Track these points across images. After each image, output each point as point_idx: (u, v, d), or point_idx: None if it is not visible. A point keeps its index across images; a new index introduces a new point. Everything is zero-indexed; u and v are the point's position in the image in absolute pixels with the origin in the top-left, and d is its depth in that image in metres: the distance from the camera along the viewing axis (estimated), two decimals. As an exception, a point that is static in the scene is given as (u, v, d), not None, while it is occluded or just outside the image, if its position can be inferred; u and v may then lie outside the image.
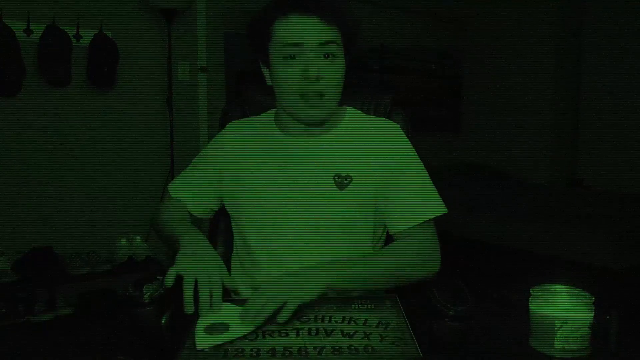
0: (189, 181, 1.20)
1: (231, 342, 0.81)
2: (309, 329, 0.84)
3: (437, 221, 1.10)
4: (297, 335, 0.83)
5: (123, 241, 2.67)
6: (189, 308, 0.87)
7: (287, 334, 0.83)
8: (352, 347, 0.78)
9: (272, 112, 1.20)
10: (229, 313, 0.88)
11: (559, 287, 0.86)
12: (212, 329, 0.83)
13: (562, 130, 4.50)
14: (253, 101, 1.32)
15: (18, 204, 2.59)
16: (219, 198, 1.18)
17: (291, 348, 0.78)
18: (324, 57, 1.01)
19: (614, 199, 3.50)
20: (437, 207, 1.09)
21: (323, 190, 1.07)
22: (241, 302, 0.92)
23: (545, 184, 4.36)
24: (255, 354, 0.77)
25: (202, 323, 0.85)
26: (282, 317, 0.85)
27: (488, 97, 4.81)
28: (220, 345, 0.80)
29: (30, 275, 2.40)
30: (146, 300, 0.89)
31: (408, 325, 0.85)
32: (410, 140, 1.14)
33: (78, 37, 2.69)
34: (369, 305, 0.93)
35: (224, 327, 0.83)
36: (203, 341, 0.80)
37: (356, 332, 0.83)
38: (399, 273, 1.03)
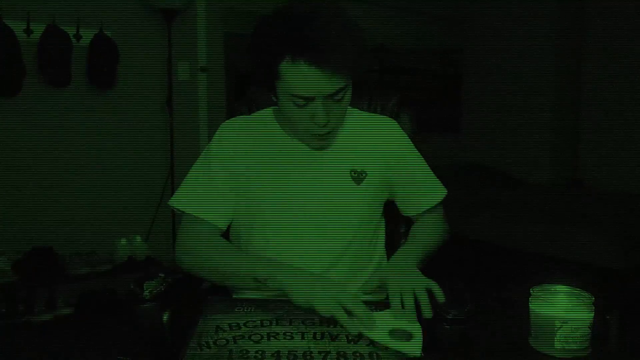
0: (205, 194, 1.09)
1: (236, 343, 0.81)
2: (314, 333, 0.84)
3: None
4: (302, 338, 0.82)
5: (123, 241, 2.67)
6: (356, 330, 0.83)
7: (292, 337, 0.82)
8: (357, 353, 0.78)
9: (267, 111, 1.19)
10: (383, 320, 0.86)
11: (559, 287, 0.86)
12: (398, 336, 0.82)
13: (562, 130, 4.50)
14: (259, 99, 1.31)
15: (18, 204, 2.59)
16: (235, 203, 1.11)
17: (296, 351, 0.78)
18: (333, 100, 0.99)
19: (614, 199, 3.50)
20: (442, 190, 1.21)
21: (342, 185, 1.09)
22: (247, 304, 0.92)
23: (546, 184, 4.36)
24: (260, 356, 0.77)
25: (379, 335, 0.82)
26: (424, 296, 0.87)
27: (488, 97, 4.81)
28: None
29: (30, 275, 2.40)
30: (147, 297, 0.89)
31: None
32: (416, 139, 1.22)
33: (78, 37, 2.69)
34: (375, 310, 0.92)
35: (404, 332, 0.83)
36: (412, 348, 0.79)
37: (361, 337, 0.82)
38: (438, 242, 1.17)
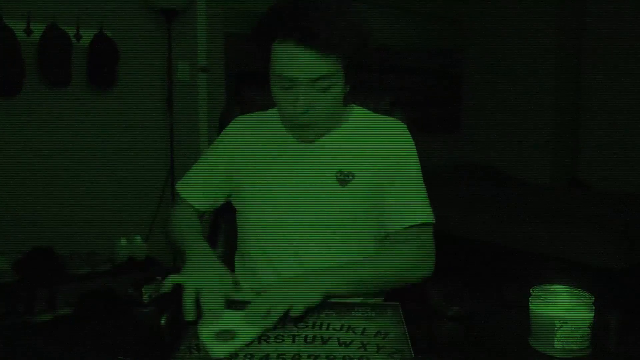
0: (196, 178, 1.21)
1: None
2: (305, 336, 0.83)
3: (436, 222, 1.11)
4: (293, 342, 0.82)
5: (123, 241, 2.67)
6: (190, 316, 0.87)
7: (282, 340, 0.82)
8: (347, 357, 0.77)
9: (274, 111, 1.19)
10: (230, 319, 0.87)
11: (559, 287, 0.86)
12: (221, 337, 0.82)
13: (562, 130, 4.50)
14: (252, 101, 1.32)
15: (18, 204, 2.59)
16: (225, 194, 1.19)
17: (285, 355, 0.77)
18: (318, 88, 1.00)
19: (614, 199, 3.50)
20: (427, 214, 1.10)
21: (325, 186, 1.07)
22: (238, 305, 0.92)
23: (545, 184, 4.36)
24: (249, 359, 0.77)
25: (205, 331, 0.83)
26: (295, 314, 0.86)
27: (488, 97, 4.81)
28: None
29: (30, 275, 2.40)
30: (145, 301, 0.89)
31: (407, 336, 0.84)
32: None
33: (78, 37, 2.69)
34: (369, 313, 0.92)
35: (232, 334, 0.82)
36: (217, 350, 0.79)
37: (353, 341, 0.82)
38: (396, 276, 1.05)
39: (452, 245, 3.27)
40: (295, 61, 0.96)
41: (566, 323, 0.79)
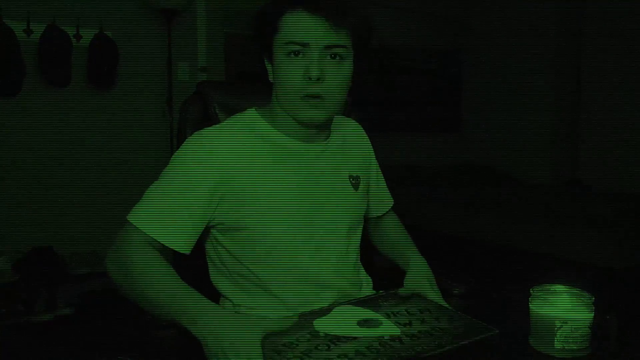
0: (175, 217, 0.94)
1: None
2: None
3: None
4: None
5: (123, 241, 2.67)
6: None
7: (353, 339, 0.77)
8: (423, 331, 0.79)
9: (249, 112, 1.06)
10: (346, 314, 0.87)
11: (559, 287, 0.86)
12: (367, 324, 0.82)
13: (562, 130, 4.50)
14: (214, 100, 1.24)
15: (18, 204, 2.59)
16: (202, 228, 0.98)
17: (366, 348, 0.75)
18: (330, 57, 0.96)
19: (614, 199, 3.50)
20: (390, 196, 1.29)
21: (344, 192, 1.08)
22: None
23: (545, 184, 4.36)
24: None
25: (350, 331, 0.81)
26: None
27: (488, 97, 4.81)
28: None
29: (30, 275, 2.40)
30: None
31: (447, 307, 0.90)
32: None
33: (78, 37, 2.69)
34: (393, 300, 0.93)
35: (379, 322, 0.83)
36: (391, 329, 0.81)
37: (410, 321, 0.84)
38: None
39: (453, 246, 3.27)
40: (305, 26, 0.94)
41: (566, 323, 0.79)
